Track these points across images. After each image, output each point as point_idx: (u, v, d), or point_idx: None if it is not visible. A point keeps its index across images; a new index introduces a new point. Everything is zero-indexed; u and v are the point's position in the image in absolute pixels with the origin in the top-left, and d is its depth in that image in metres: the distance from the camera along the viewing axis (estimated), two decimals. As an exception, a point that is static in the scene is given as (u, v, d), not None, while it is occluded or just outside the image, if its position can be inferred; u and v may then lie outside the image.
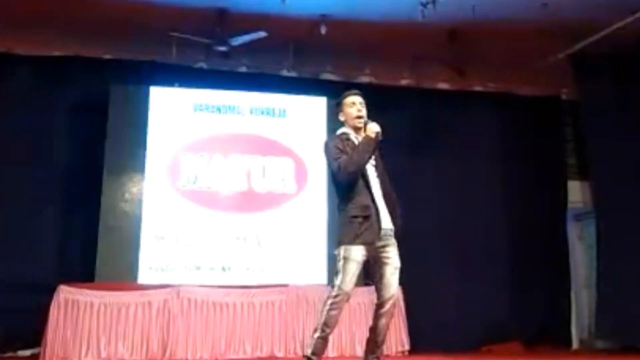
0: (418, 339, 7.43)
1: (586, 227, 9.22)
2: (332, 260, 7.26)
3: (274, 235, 7.52)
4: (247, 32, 7.30)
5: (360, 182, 3.96)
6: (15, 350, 6.97)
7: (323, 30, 7.58)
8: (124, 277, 7.05)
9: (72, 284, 6.64)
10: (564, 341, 8.61)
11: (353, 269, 3.89)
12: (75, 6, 7.16)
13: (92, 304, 6.57)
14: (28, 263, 7.17)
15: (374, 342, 3.97)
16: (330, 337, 6.73)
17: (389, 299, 3.93)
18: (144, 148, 7.49)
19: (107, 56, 8.08)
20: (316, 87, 8.44)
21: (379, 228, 3.90)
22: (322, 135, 7.39)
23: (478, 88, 9.30)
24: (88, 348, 6.45)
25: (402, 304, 7.36)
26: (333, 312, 3.85)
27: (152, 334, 6.64)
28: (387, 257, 3.95)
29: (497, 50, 8.17)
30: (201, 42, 7.46)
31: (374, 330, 3.97)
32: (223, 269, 7.35)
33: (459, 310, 8.12)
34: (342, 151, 4.00)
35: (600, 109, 8.42)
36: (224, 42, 7.43)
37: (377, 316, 3.96)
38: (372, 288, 7.35)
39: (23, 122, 7.55)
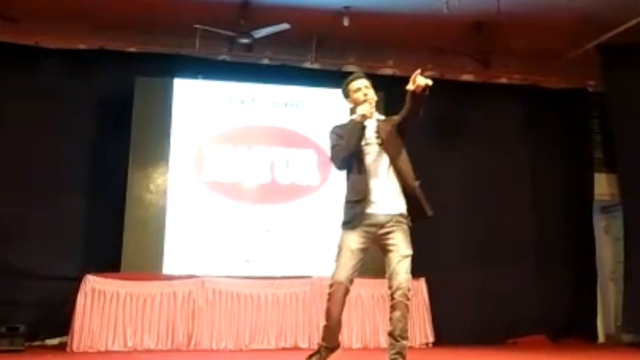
0: (442, 331, 7.42)
1: (613, 220, 9.15)
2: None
3: (298, 226, 7.54)
4: (269, 25, 7.32)
5: (355, 165, 3.81)
6: (42, 339, 7.09)
7: (346, 22, 7.57)
8: (149, 267, 7.13)
9: (98, 274, 6.71)
10: (590, 335, 8.50)
11: (345, 257, 3.72)
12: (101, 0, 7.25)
13: (118, 294, 6.64)
14: (55, 253, 7.28)
15: (390, 336, 3.63)
16: (354, 328, 6.89)
17: (397, 289, 3.58)
18: (169, 140, 7.57)
19: (132, 49, 8.15)
20: (339, 79, 8.35)
21: (376, 213, 3.68)
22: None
23: (503, 80, 9.19)
24: (114, 337, 6.52)
25: (425, 296, 7.37)
26: (329, 304, 3.70)
27: (177, 324, 6.69)
28: (392, 245, 3.65)
29: (523, 42, 8.10)
30: (224, 34, 7.49)
31: (389, 323, 3.68)
32: (247, 260, 7.40)
33: (484, 302, 8.07)
34: (341, 138, 3.88)
35: (627, 100, 8.30)
36: (247, 35, 7.47)
37: (390, 308, 3.65)
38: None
39: (49, 114, 7.63)
